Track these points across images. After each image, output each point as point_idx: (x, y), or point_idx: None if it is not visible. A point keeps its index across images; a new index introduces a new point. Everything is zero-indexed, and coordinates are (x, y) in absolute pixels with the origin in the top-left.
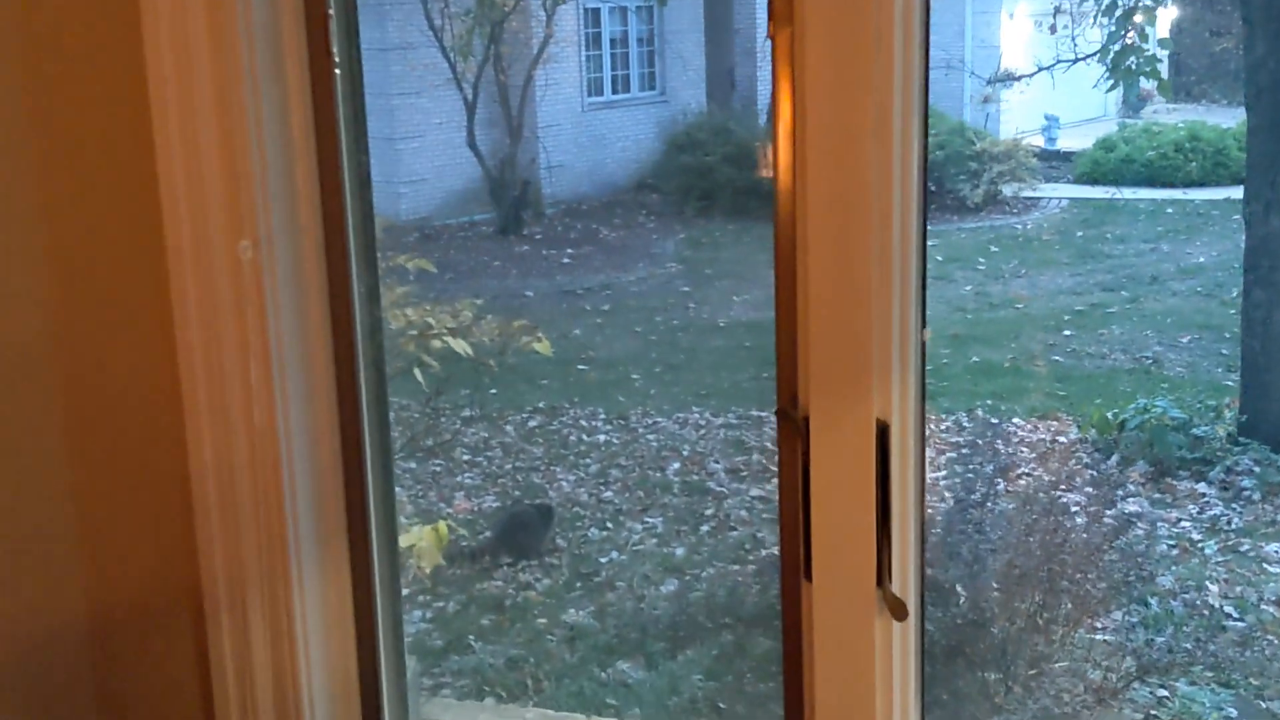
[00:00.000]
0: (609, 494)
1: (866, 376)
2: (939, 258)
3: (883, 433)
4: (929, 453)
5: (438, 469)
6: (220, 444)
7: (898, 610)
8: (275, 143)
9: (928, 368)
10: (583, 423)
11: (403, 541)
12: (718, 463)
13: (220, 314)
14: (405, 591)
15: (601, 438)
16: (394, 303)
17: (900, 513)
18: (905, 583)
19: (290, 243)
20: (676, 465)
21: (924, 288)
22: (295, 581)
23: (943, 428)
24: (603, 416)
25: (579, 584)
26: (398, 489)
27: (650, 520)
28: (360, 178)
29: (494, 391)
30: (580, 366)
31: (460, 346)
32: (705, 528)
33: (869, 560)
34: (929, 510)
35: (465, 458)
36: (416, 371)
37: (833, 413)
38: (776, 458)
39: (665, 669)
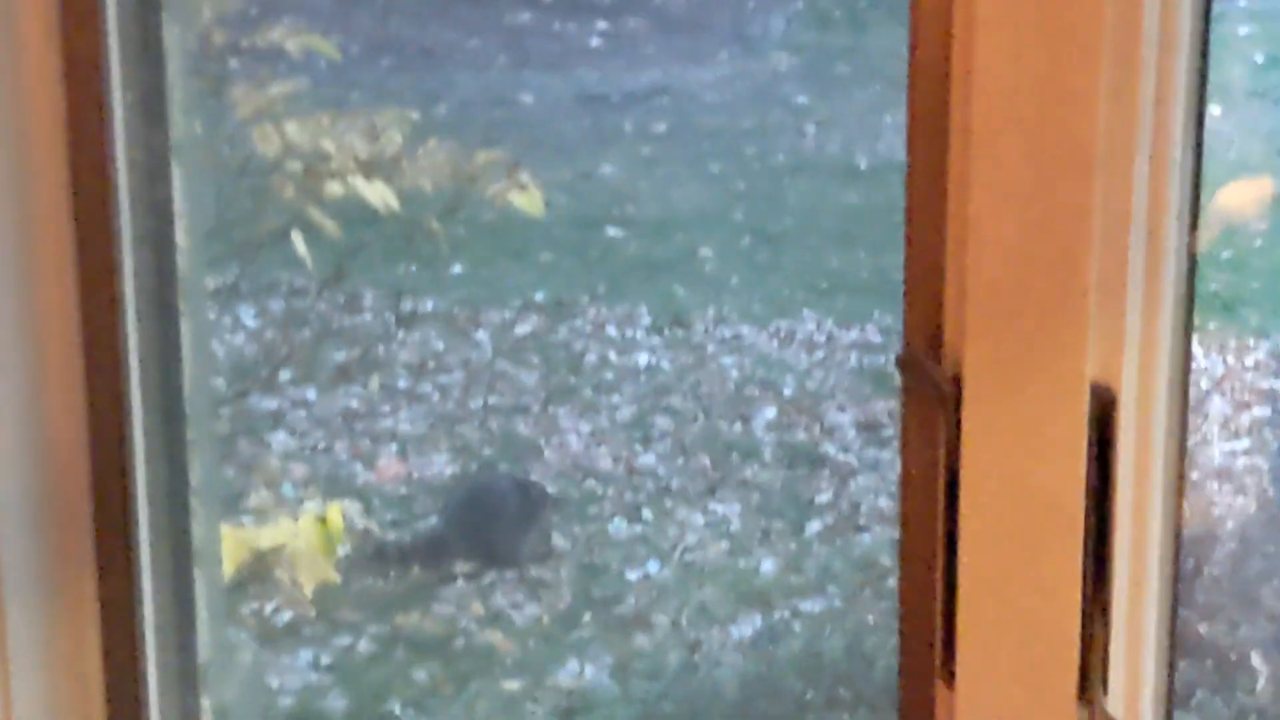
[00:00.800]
0: (648, 459)
1: (1076, 306)
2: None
3: (1103, 408)
4: (1204, 419)
5: (351, 406)
6: None
7: None
8: None
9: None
10: (609, 332)
11: (262, 539)
12: (843, 411)
13: None
14: (282, 619)
15: (642, 358)
16: (261, 112)
17: (1131, 552)
18: (1136, 687)
19: None
20: (770, 413)
21: (1199, 148)
22: None
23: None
24: (645, 323)
25: (587, 617)
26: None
27: (719, 509)
28: None
29: (455, 271)
30: (610, 231)
31: (378, 194)
32: (815, 525)
33: (1066, 647)
34: (1206, 522)
35: (401, 385)
36: (295, 238)
37: (1008, 369)
38: (898, 442)
39: None
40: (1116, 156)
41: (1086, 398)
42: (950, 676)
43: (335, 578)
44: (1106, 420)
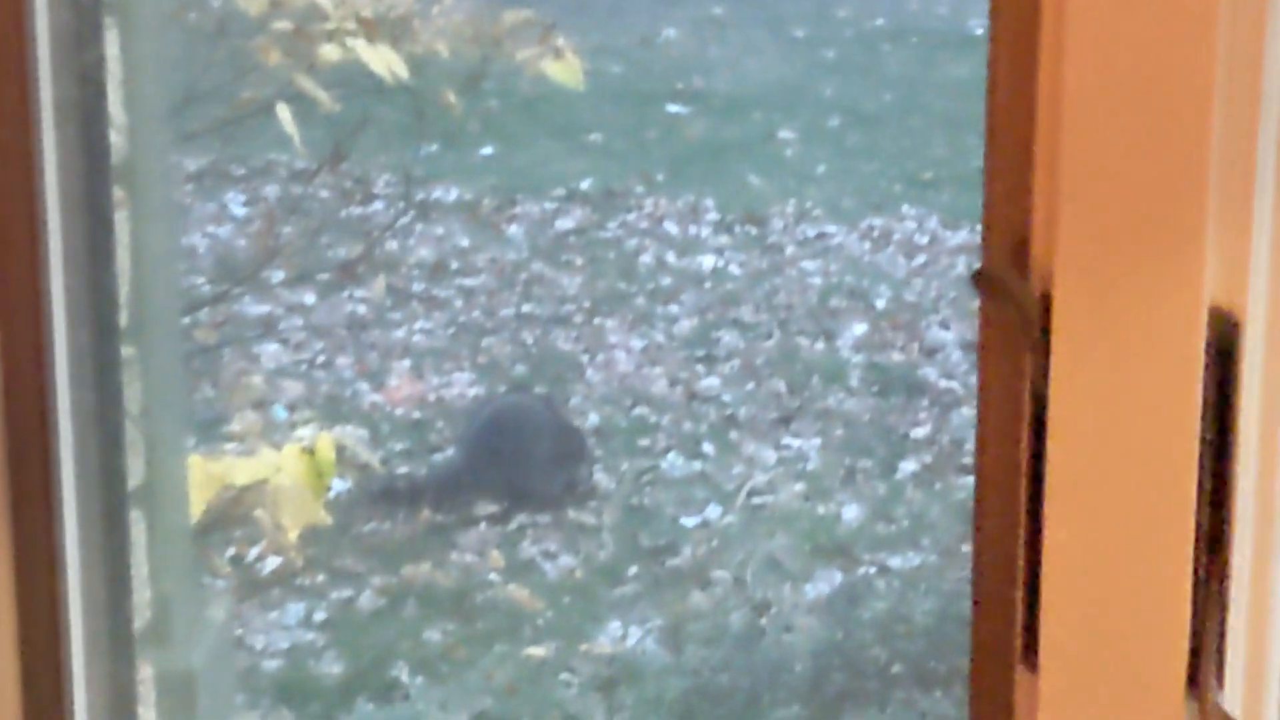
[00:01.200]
0: (710, 382)
1: (1193, 212)
2: None
3: (1223, 338)
4: None
5: (357, 313)
6: None
7: None
8: None
9: None
10: (668, 229)
11: (238, 474)
12: (946, 328)
13: None
14: (267, 567)
15: (706, 261)
16: None
17: (1256, 515)
18: (1259, 680)
19: None
20: (859, 329)
21: None
22: None
23: None
24: (712, 216)
25: (633, 570)
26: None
27: (794, 443)
28: None
29: (484, 154)
30: (671, 108)
31: (383, 61)
32: (910, 465)
33: (1174, 629)
34: None
35: (417, 289)
36: (281, 112)
37: (1108, 288)
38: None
39: None
40: (1242, 34)
41: (1204, 325)
42: (1033, 660)
43: (325, 519)
44: (1228, 353)
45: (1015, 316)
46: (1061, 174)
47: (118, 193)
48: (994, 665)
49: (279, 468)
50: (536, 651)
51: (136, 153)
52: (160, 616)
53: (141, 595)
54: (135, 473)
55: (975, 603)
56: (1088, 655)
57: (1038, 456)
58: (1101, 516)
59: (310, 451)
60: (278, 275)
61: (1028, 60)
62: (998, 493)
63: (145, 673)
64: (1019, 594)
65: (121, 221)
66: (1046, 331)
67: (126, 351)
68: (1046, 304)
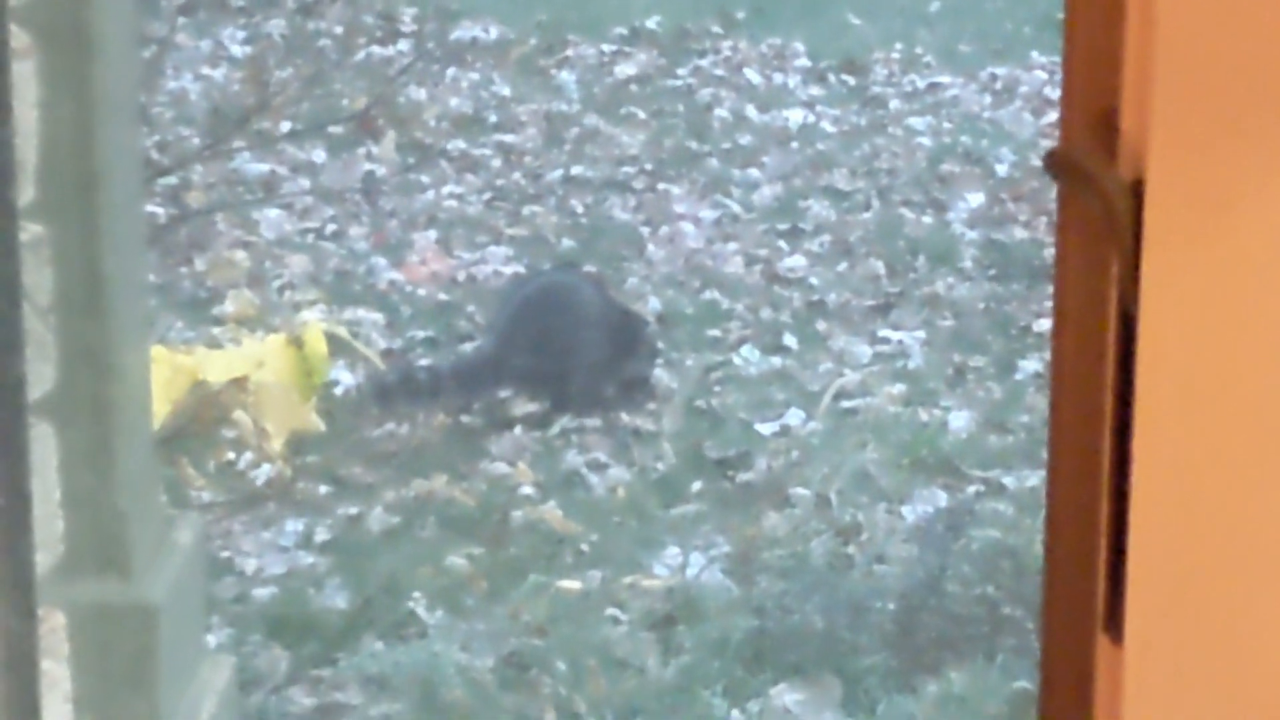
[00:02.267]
0: (794, 261)
1: None
2: None
3: None
4: None
5: (374, 173)
6: None
7: None
8: None
9: None
10: (748, 77)
11: (211, 369)
12: None
13: None
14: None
15: (794, 116)
16: None
17: None
18: None
19: None
20: (975, 199)
21: None
22: None
23: None
24: (802, 62)
25: (697, 485)
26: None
27: (893, 336)
28: None
29: None
30: None
31: None
32: (1032, 364)
33: None
34: None
35: (446, 145)
36: None
37: (1215, 173)
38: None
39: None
40: None
41: None
42: (1117, 629)
43: (316, 424)
44: None
45: (1099, 208)
46: (1159, 29)
47: (18, 36)
48: (1071, 634)
49: (260, 362)
50: (580, 579)
51: None
52: (112, 540)
53: (50, 528)
54: (44, 378)
55: (1048, 561)
56: (1182, 625)
57: (1125, 382)
58: (1201, 456)
59: (298, 343)
60: (283, 127)
61: None
62: (1076, 426)
63: (89, 606)
64: (1101, 551)
65: (26, 73)
66: (1137, 227)
67: (34, 231)
68: (1137, 193)
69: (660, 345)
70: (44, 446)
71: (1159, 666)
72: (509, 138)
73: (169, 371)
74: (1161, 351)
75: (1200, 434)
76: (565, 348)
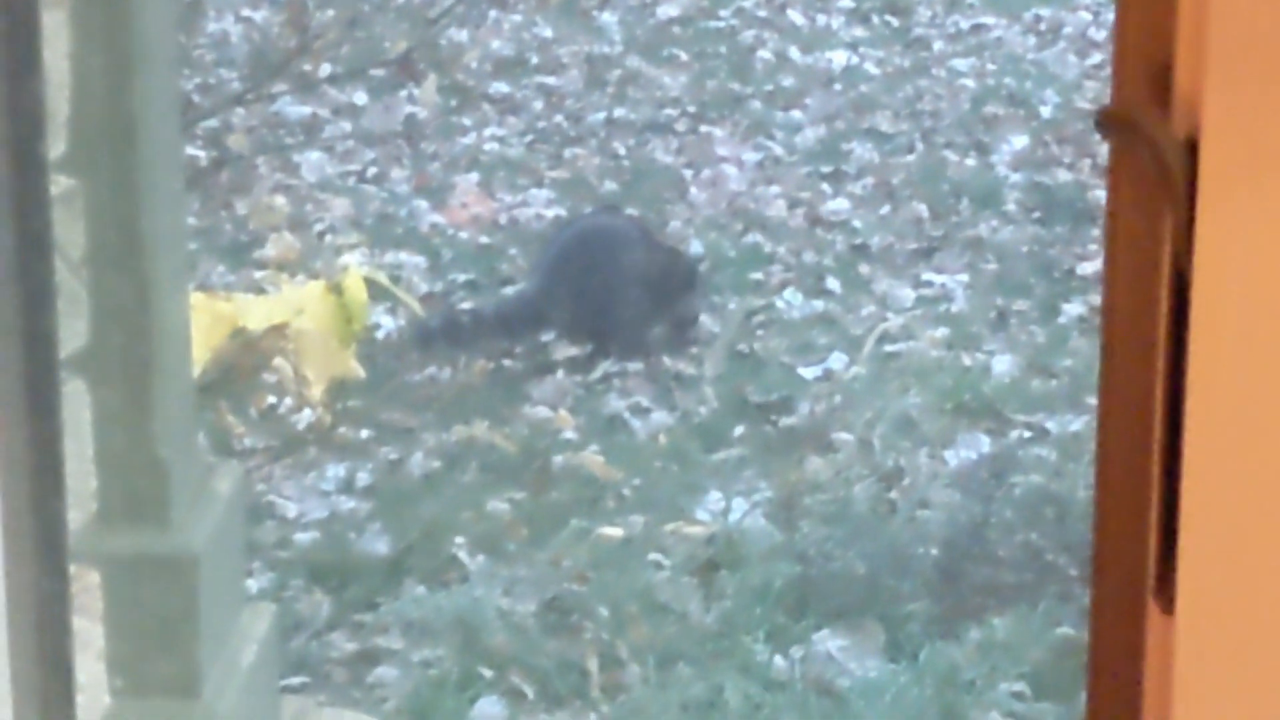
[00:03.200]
0: (838, 205)
1: None
2: None
3: None
4: None
5: (416, 115)
6: None
7: None
8: None
9: None
10: (791, 17)
11: (251, 316)
12: None
13: None
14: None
15: (837, 57)
16: None
17: None
18: None
19: None
20: (1019, 141)
21: None
22: None
23: None
24: (845, 2)
25: (739, 430)
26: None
27: (936, 279)
28: None
29: None
30: None
31: None
32: (1076, 307)
33: None
34: None
35: (488, 88)
36: None
37: (1272, 130)
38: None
39: (938, 659)
40: None
41: None
42: (1168, 598)
43: (356, 371)
44: None
45: (1152, 166)
46: None
47: None
48: (1121, 602)
49: (300, 309)
50: (619, 529)
51: None
52: (151, 491)
53: (85, 484)
54: (76, 334)
55: (1098, 524)
56: (1235, 596)
57: (1178, 343)
58: (1256, 419)
59: (338, 289)
60: (324, 70)
61: None
62: (1128, 388)
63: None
64: (1153, 515)
65: (57, 24)
66: (1192, 185)
67: (65, 184)
68: (1192, 150)
69: (701, 289)
70: (77, 402)
71: (1211, 638)
72: (550, 80)
73: (208, 319)
74: (1216, 311)
75: (1254, 396)
76: (608, 291)
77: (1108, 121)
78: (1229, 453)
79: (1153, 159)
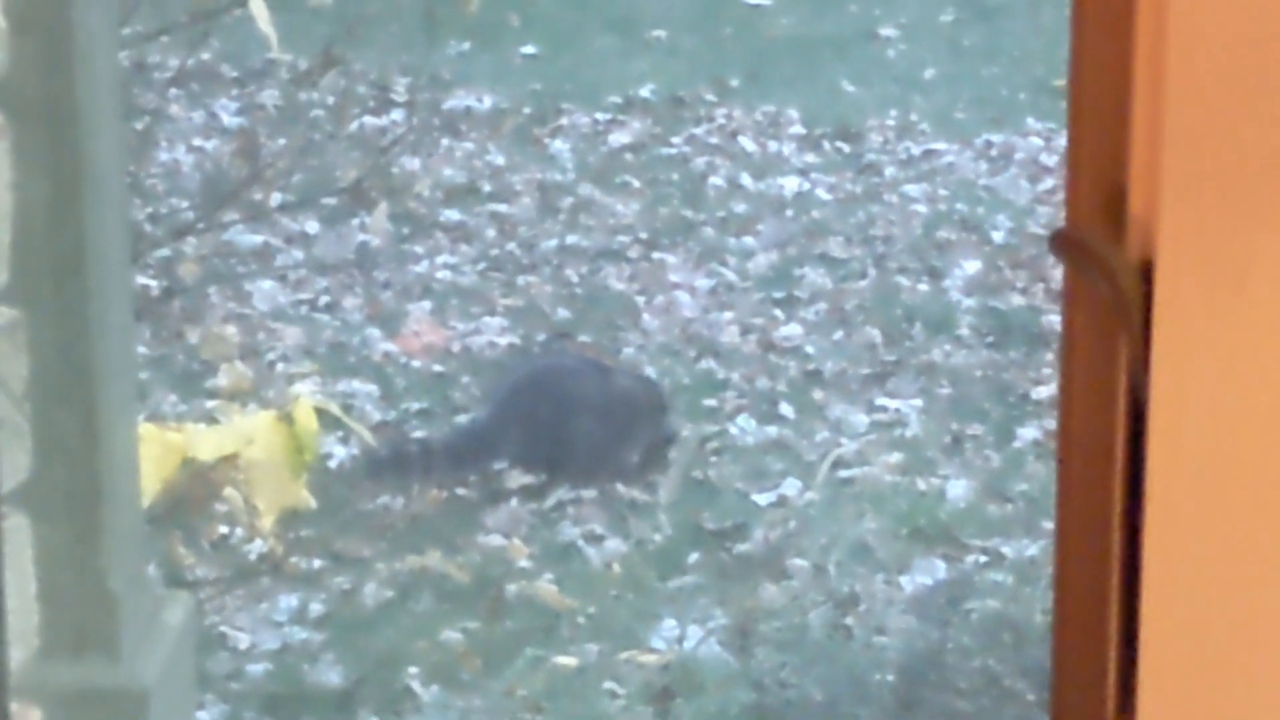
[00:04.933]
0: (791, 330)
1: None
2: None
3: None
4: None
5: (368, 244)
6: None
7: None
8: None
9: None
10: (743, 145)
11: (202, 447)
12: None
13: None
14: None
15: (789, 184)
16: None
17: None
18: None
19: None
20: (972, 266)
21: None
22: None
23: None
24: (796, 129)
25: (694, 557)
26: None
27: (891, 404)
28: None
29: (525, 53)
30: None
31: None
32: (1031, 431)
33: None
34: None
35: (440, 215)
36: (256, 7)
37: (1225, 254)
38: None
39: None
40: None
41: None
42: (1129, 718)
43: (307, 501)
44: None
45: (1107, 289)
46: (1167, 110)
47: None
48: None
49: (251, 439)
50: (577, 654)
51: (26, 60)
52: (100, 624)
53: (27, 621)
54: (19, 468)
55: (1057, 645)
56: (1198, 713)
57: (1135, 467)
58: (1214, 540)
59: (289, 419)
60: (275, 199)
61: None
62: (1085, 513)
63: (76, 694)
64: (1112, 637)
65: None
66: (1147, 308)
67: (8, 315)
68: (1147, 275)
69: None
70: (20, 538)
71: None
72: (503, 207)
73: (159, 449)
74: (1173, 435)
75: (1213, 518)
76: (561, 419)
77: (1061, 244)
78: (1189, 577)
79: (1107, 282)
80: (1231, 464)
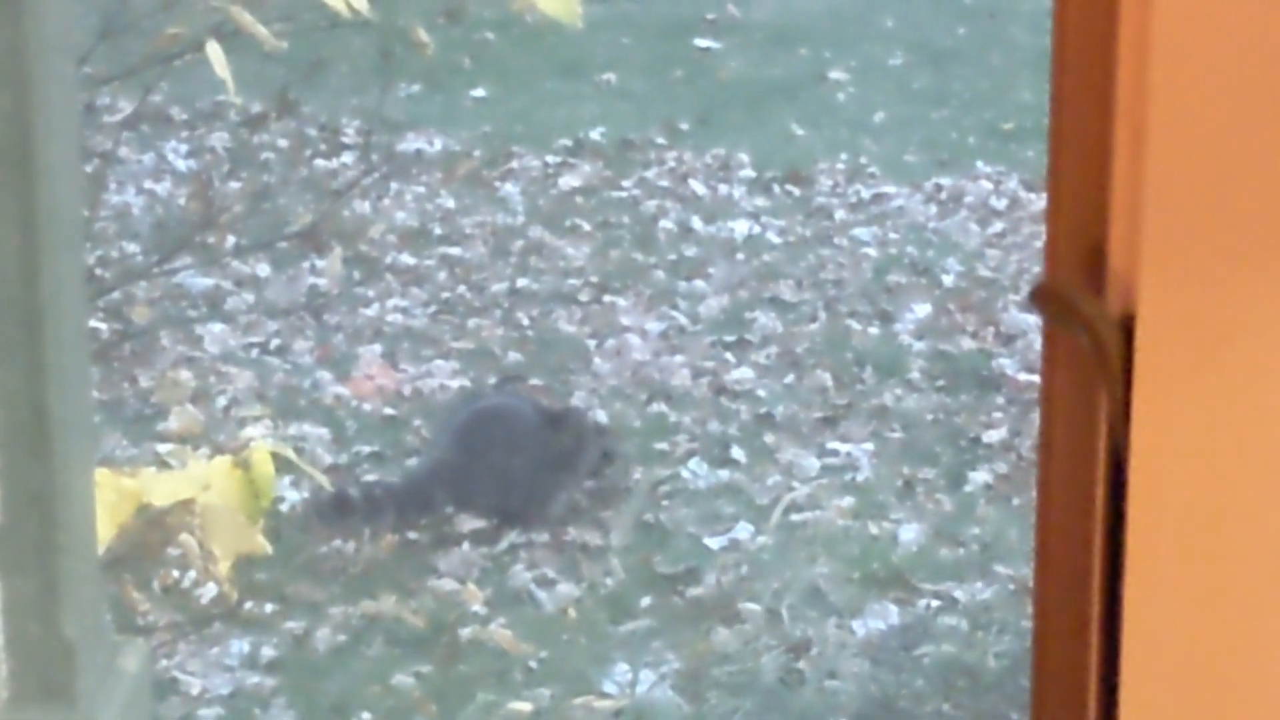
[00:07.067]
0: (742, 374)
1: None
2: None
3: None
4: None
5: (319, 287)
6: None
7: None
8: None
9: None
10: (694, 188)
11: (156, 492)
12: (1027, 312)
13: None
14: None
15: (739, 227)
16: None
17: None
18: None
19: None
20: (922, 310)
21: None
22: None
23: None
24: (747, 173)
25: (646, 601)
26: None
27: (842, 448)
28: None
29: (475, 96)
30: (699, 42)
31: None
32: (982, 475)
33: None
34: None
35: (391, 259)
36: (213, 52)
37: (1209, 310)
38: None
39: None
40: None
41: None
42: None
43: (263, 547)
44: None
45: (1087, 345)
46: (1148, 163)
47: None
48: None
49: (206, 484)
50: (528, 703)
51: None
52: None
53: None
54: None
55: (1034, 697)
56: None
57: (1114, 521)
58: (1196, 599)
59: (245, 465)
60: (228, 242)
61: (1106, 22)
62: (1064, 569)
63: None
64: (1091, 699)
65: None
66: (1128, 363)
67: None
68: (1128, 329)
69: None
70: None
71: None
72: (454, 251)
73: (114, 495)
74: (1153, 490)
75: (1193, 574)
76: (507, 464)
77: (1041, 297)
78: (1170, 635)
79: (1087, 336)
80: (1212, 519)
